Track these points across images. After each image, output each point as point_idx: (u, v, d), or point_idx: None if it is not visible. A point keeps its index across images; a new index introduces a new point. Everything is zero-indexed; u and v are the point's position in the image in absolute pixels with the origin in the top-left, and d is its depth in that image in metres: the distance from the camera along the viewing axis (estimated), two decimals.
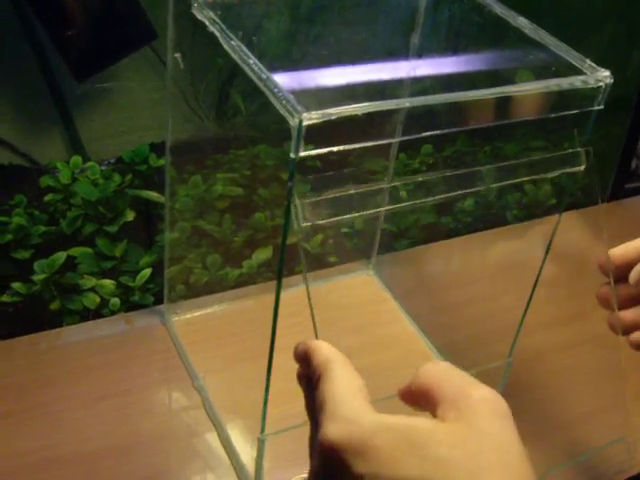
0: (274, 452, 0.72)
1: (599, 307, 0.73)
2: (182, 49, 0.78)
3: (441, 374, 0.47)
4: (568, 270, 1.12)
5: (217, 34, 0.63)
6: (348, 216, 0.58)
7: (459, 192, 0.64)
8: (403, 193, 0.62)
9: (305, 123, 0.52)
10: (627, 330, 0.71)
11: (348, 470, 0.42)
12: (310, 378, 0.51)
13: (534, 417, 0.91)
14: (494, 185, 0.65)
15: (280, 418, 0.69)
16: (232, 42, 0.62)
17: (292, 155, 0.54)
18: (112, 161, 1.17)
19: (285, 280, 0.98)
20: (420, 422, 0.43)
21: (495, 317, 0.98)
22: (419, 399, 0.48)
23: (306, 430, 0.51)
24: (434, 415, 0.45)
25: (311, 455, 0.49)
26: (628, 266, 0.69)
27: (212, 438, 0.85)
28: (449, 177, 0.63)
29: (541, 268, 0.76)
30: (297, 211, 0.56)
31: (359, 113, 0.55)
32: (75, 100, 1.10)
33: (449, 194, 0.63)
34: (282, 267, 0.62)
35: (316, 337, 0.60)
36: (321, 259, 1.10)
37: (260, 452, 0.73)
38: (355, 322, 0.99)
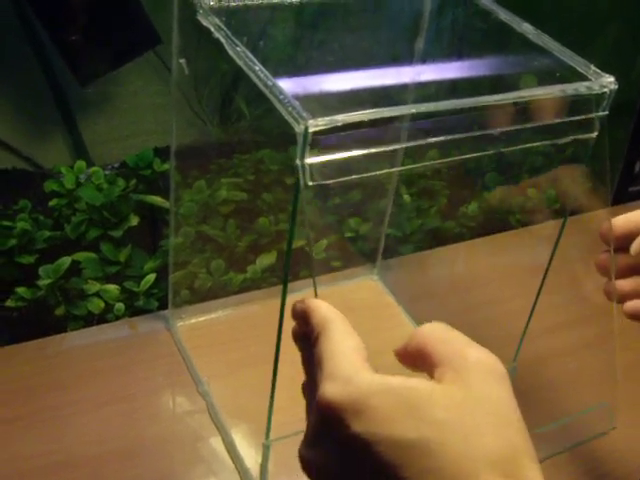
0: (279, 457, 0.72)
1: (603, 311, 0.73)
2: (186, 54, 0.78)
3: (438, 334, 0.48)
4: (571, 274, 1.10)
5: (222, 40, 0.63)
6: (356, 176, 0.58)
7: (472, 155, 0.63)
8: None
9: (311, 130, 0.52)
10: (622, 299, 0.70)
11: (345, 429, 0.43)
12: (308, 336, 0.51)
13: (539, 421, 0.91)
14: (506, 149, 0.64)
15: (285, 423, 0.68)
16: (238, 48, 0.62)
17: (298, 162, 0.54)
18: (116, 165, 1.17)
19: (290, 285, 1.00)
20: (417, 383, 0.43)
21: (500, 322, 0.98)
22: (415, 360, 0.48)
23: None
24: (431, 376, 0.46)
25: (307, 411, 0.51)
26: (628, 236, 0.69)
27: (216, 443, 0.85)
28: (462, 140, 0.62)
29: (546, 273, 0.76)
30: (304, 171, 0.54)
31: (365, 119, 0.55)
32: (79, 104, 1.10)
33: (463, 156, 0.63)
34: (288, 271, 0.62)
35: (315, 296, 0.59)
36: (325, 264, 1.10)
37: (265, 457, 0.73)
38: (359, 326, 0.93)
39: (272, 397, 0.68)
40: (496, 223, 1.24)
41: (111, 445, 0.82)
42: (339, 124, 0.54)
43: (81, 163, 1.08)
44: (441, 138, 0.60)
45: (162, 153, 1.12)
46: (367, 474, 0.42)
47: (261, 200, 1.13)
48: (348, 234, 1.14)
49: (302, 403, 0.54)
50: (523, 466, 0.41)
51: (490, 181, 1.25)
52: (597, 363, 1.00)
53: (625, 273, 0.70)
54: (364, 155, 0.57)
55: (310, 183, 0.55)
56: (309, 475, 0.47)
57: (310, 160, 0.54)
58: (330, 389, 0.44)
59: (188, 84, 1.05)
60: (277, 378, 0.66)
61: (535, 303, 0.77)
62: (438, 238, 1.20)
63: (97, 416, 0.85)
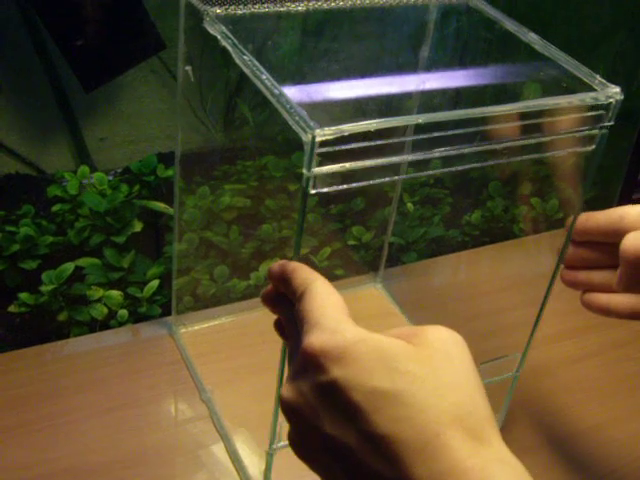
0: (282, 465, 0.72)
1: (605, 321, 0.73)
2: (191, 61, 0.78)
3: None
4: None
5: (229, 48, 0.63)
6: (360, 184, 0.58)
7: (474, 165, 0.64)
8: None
9: (318, 139, 0.52)
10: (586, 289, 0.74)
11: (324, 374, 0.46)
12: (290, 296, 0.54)
13: (540, 431, 0.91)
14: (504, 161, 0.64)
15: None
16: (244, 57, 0.62)
17: (305, 171, 0.54)
18: (119, 171, 1.16)
19: None
20: (395, 340, 0.48)
21: (503, 331, 0.98)
22: None
23: None
24: None
25: (289, 361, 0.54)
26: (594, 230, 0.71)
27: (219, 451, 0.84)
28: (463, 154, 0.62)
29: (552, 281, 0.76)
30: (311, 180, 0.55)
31: (372, 129, 0.55)
32: (83, 110, 1.10)
33: (465, 166, 0.63)
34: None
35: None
36: (328, 272, 1.10)
37: (268, 465, 0.73)
38: None
39: (277, 405, 0.67)
40: (499, 232, 1.24)
41: (113, 453, 0.82)
42: (346, 133, 0.54)
43: (84, 168, 1.07)
44: (445, 148, 0.60)
45: (165, 159, 1.11)
46: (340, 417, 0.46)
47: (264, 207, 1.13)
48: (351, 242, 1.14)
49: None
50: (483, 422, 0.45)
51: (493, 190, 1.25)
52: (599, 373, 1.00)
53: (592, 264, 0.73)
54: (369, 164, 0.58)
55: (313, 192, 0.56)
56: (288, 418, 0.51)
57: (317, 169, 0.54)
58: (317, 337, 0.48)
59: (192, 90, 1.03)
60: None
61: (540, 312, 0.77)
62: (441, 246, 1.20)
63: (98, 424, 0.85)
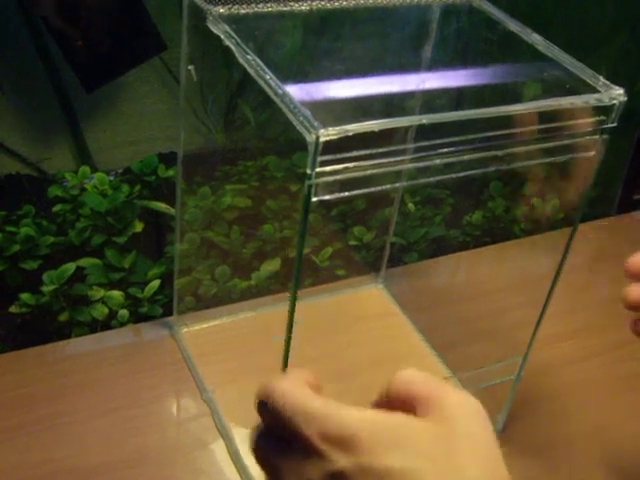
0: None
1: (606, 322, 0.73)
2: (193, 61, 0.78)
3: (419, 378, 0.47)
4: (574, 283, 1.12)
5: (233, 48, 0.63)
6: (356, 192, 0.57)
7: (475, 172, 0.63)
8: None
9: (322, 139, 0.52)
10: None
11: (333, 463, 0.42)
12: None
13: (541, 432, 0.91)
14: (506, 167, 0.64)
15: None
16: (248, 56, 0.61)
17: (308, 171, 0.54)
18: (120, 171, 1.16)
19: None
20: (403, 418, 0.44)
21: (505, 331, 0.98)
22: (397, 404, 0.47)
23: None
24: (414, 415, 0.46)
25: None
26: None
27: (221, 451, 0.84)
28: (468, 152, 0.62)
29: (554, 283, 0.75)
30: (314, 180, 0.54)
31: (375, 129, 0.55)
32: (84, 110, 1.10)
33: (466, 173, 0.63)
34: (299, 278, 0.61)
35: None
36: (329, 273, 1.10)
37: None
38: (364, 336, 0.99)
39: None
40: (500, 232, 1.24)
41: (113, 454, 0.82)
42: (350, 133, 0.53)
43: (85, 169, 1.07)
44: (448, 150, 0.60)
45: (166, 159, 1.11)
46: None
47: (265, 207, 1.13)
48: (352, 242, 1.14)
49: None
50: None
51: (494, 190, 1.25)
52: (601, 373, 1.00)
53: None
54: (372, 165, 0.57)
55: (315, 199, 0.55)
56: None
57: (320, 169, 0.54)
58: (313, 426, 0.44)
59: (194, 91, 1.05)
60: None
61: (543, 312, 0.77)
62: (442, 247, 1.19)
63: (99, 424, 0.85)
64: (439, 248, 1.19)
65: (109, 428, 0.84)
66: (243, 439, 0.85)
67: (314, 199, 0.55)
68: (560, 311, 0.85)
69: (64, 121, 1.10)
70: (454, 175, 0.63)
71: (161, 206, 1.08)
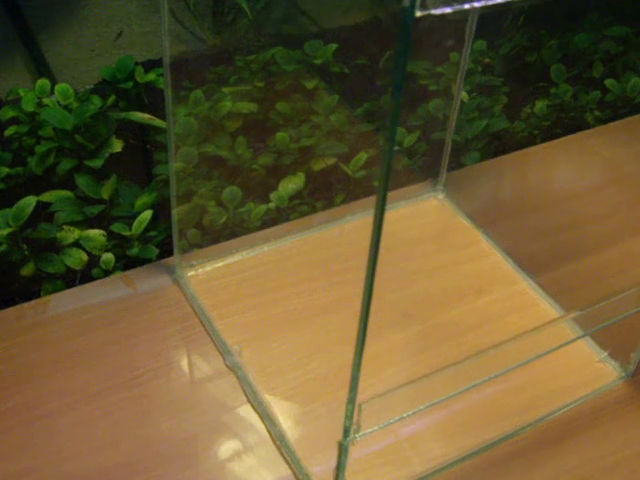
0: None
1: None
2: None
3: None
4: None
5: None
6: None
7: None
8: None
9: None
10: None
11: None
12: None
13: None
14: None
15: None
16: None
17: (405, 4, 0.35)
18: (91, 87, 1.07)
19: (323, 214, 0.89)
20: None
21: (607, 241, 0.84)
22: None
23: None
24: None
25: None
26: None
27: (261, 437, 0.66)
28: None
29: None
30: None
31: None
32: (40, 20, 1.04)
33: None
34: (389, 175, 0.41)
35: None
36: (368, 184, 0.96)
37: (341, 463, 0.55)
38: (431, 261, 0.83)
39: (354, 379, 0.50)
40: (570, 122, 1.11)
41: (113, 454, 0.65)
42: None
43: (43, 81, 0.99)
44: None
45: (145, 67, 1.04)
46: None
47: (275, 111, 1.02)
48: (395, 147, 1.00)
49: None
50: None
51: (556, 75, 1.11)
52: None
53: None
54: None
55: (420, 14, 0.36)
56: None
57: None
58: None
59: None
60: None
61: None
62: (506, 143, 1.06)
63: (89, 413, 0.68)
64: (502, 145, 1.05)
65: (102, 418, 0.68)
66: (291, 419, 0.67)
67: (419, 13, 0.36)
68: None
69: (15, 34, 1.05)
70: None
71: (144, 117, 0.98)
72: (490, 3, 0.37)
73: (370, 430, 0.53)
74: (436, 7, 0.35)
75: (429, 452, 0.64)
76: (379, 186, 0.41)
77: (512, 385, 0.68)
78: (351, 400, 0.51)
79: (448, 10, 0.35)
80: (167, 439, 0.67)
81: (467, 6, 0.37)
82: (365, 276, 0.45)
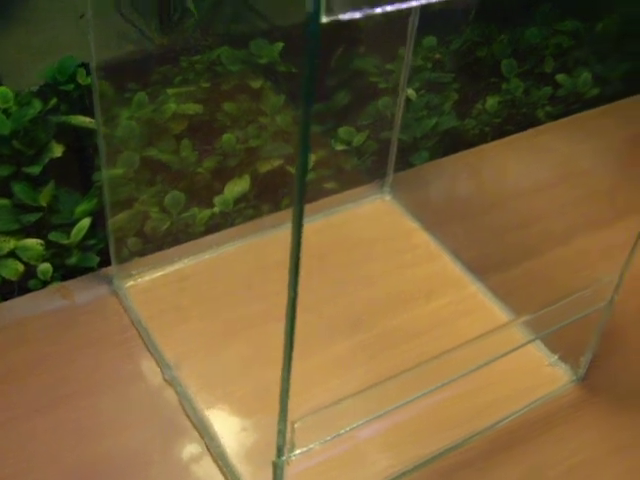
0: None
1: None
2: None
3: None
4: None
5: None
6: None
7: None
8: None
9: None
10: None
11: None
12: None
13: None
14: None
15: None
16: None
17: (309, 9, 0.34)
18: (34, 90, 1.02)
19: (269, 218, 0.88)
20: None
21: (555, 239, 0.84)
22: None
23: None
24: None
25: None
26: None
27: (200, 454, 0.65)
28: None
29: None
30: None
31: None
32: None
33: None
34: (303, 188, 0.40)
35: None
36: (315, 186, 0.95)
37: None
38: (378, 266, 0.82)
39: (284, 395, 0.49)
40: (522, 119, 1.11)
41: (51, 473, 0.62)
42: None
43: None
44: None
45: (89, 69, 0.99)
46: None
47: (222, 112, 1.01)
48: (339, 147, 0.99)
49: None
50: None
51: (507, 70, 1.10)
52: None
53: None
54: None
55: (326, 20, 0.35)
56: None
57: None
58: None
59: None
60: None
61: None
62: (457, 141, 1.05)
63: (25, 432, 0.66)
64: (453, 143, 1.04)
65: (41, 436, 0.65)
66: (229, 433, 0.65)
67: (325, 19, 0.35)
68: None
69: None
70: None
71: (84, 121, 0.95)
72: (405, 6, 0.36)
73: (305, 449, 0.51)
74: (344, 11, 0.34)
75: (375, 464, 0.63)
76: (295, 198, 0.39)
77: (461, 392, 0.66)
78: (282, 418, 0.49)
79: (357, 15, 0.34)
80: (105, 458, 0.64)
81: (378, 10, 0.36)
82: (288, 287, 0.44)
